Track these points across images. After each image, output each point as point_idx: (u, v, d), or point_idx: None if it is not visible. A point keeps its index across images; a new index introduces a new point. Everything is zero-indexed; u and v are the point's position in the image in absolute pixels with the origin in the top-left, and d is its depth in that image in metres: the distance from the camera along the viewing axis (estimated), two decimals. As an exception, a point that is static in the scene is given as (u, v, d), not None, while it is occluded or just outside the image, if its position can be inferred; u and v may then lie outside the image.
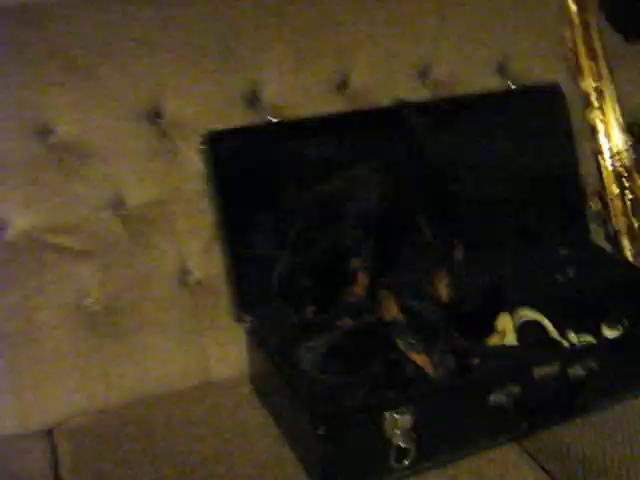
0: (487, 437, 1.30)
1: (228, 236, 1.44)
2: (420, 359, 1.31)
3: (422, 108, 1.61)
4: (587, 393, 1.35)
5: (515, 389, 1.28)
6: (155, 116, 1.50)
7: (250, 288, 1.45)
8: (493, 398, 1.27)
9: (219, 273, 1.48)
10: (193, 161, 1.48)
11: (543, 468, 1.29)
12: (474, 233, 1.61)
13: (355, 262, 1.47)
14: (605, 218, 1.70)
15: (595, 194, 1.70)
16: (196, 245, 1.51)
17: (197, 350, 1.49)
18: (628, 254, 1.67)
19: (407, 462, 1.23)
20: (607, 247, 1.70)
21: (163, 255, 1.48)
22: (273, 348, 1.37)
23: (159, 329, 1.46)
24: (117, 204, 1.48)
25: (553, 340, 1.42)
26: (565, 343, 1.42)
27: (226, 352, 1.49)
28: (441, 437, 1.26)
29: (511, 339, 1.42)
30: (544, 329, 1.44)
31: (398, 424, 1.21)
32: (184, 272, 1.51)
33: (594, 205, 1.70)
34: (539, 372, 1.30)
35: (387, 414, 1.20)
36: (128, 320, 1.45)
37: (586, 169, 1.73)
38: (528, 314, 1.45)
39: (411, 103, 1.60)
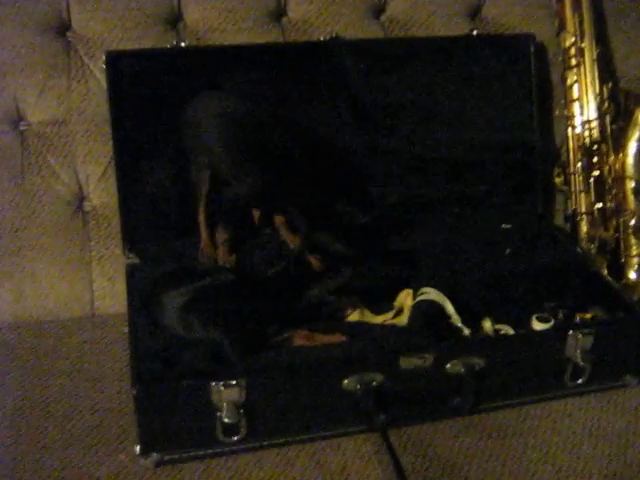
0: (337, 424, 1.09)
1: (120, 166, 1.27)
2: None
3: (362, 48, 1.35)
4: (466, 393, 1.13)
5: (376, 377, 1.08)
6: (62, 29, 1.32)
7: (139, 224, 1.29)
8: (346, 384, 1.08)
9: (115, 203, 1.31)
10: (99, 81, 1.31)
11: (398, 465, 1.09)
12: (406, 193, 1.38)
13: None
14: (567, 195, 1.42)
15: (560, 167, 1.43)
16: (94, 170, 1.34)
17: (83, 281, 1.34)
18: (583, 238, 1.39)
19: (236, 438, 1.07)
20: (565, 227, 1.44)
21: (57, 177, 1.33)
22: (139, 292, 1.22)
23: (44, 254, 1.32)
24: (15, 118, 1.32)
25: (451, 327, 1.20)
26: (466, 332, 1.20)
27: (114, 287, 1.34)
28: (282, 416, 1.07)
29: (404, 319, 1.21)
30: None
31: (226, 397, 1.03)
32: (79, 197, 1.35)
33: (558, 179, 1.43)
34: (406, 363, 1.08)
35: (213, 385, 1.02)
36: (10, 240, 1.31)
37: (555, 137, 1.45)
38: (430, 294, 1.23)
39: (349, 41, 1.35)
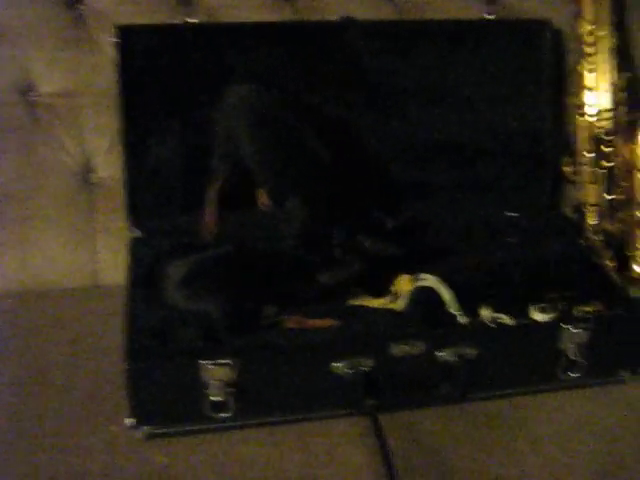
0: (326, 406, 1.10)
1: (126, 140, 1.27)
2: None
3: (373, 28, 1.34)
4: (456, 381, 1.13)
5: (366, 362, 1.09)
6: (73, 1, 1.33)
7: (144, 198, 1.30)
8: (336, 367, 1.09)
9: (122, 176, 1.33)
10: (108, 55, 1.30)
11: (385, 450, 1.10)
12: (409, 175, 1.38)
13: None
14: (575, 185, 1.41)
15: (570, 156, 1.41)
16: (101, 143, 1.35)
17: (87, 252, 1.36)
18: (589, 229, 1.38)
19: (225, 415, 1.08)
20: (573, 218, 1.42)
21: (65, 149, 1.34)
22: (141, 265, 1.23)
23: (50, 224, 1.34)
24: (25, 89, 1.34)
25: (448, 314, 1.20)
26: (462, 320, 1.19)
27: (117, 258, 1.35)
28: (271, 396, 1.08)
29: (400, 305, 1.21)
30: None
31: (215, 375, 1.05)
32: (86, 170, 1.37)
33: (567, 169, 1.41)
34: (397, 350, 1.09)
35: (203, 363, 1.04)
36: (18, 209, 1.33)
37: (567, 126, 1.43)
38: (428, 280, 1.22)
39: (361, 21, 1.33)
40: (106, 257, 1.37)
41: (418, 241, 1.31)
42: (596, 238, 1.36)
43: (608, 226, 1.36)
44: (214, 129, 1.29)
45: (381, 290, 1.23)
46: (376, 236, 1.26)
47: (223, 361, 1.04)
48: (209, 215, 1.31)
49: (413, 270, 1.23)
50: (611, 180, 1.36)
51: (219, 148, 1.28)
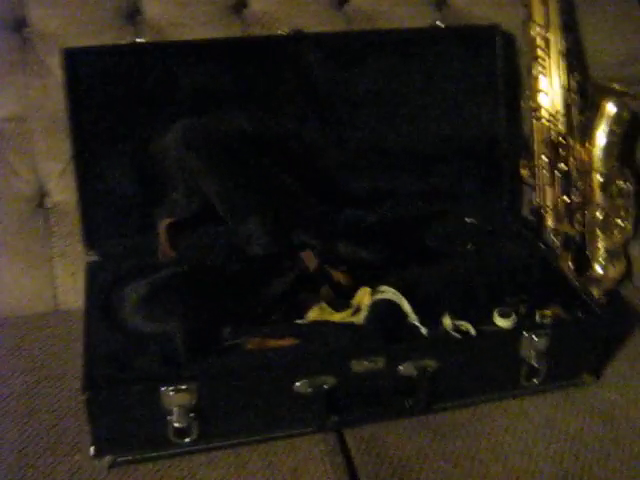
0: (290, 425, 1.11)
1: (78, 163, 1.26)
2: None
3: (324, 41, 1.33)
4: (420, 394, 1.13)
5: (327, 380, 1.09)
6: (18, 25, 1.31)
7: (100, 222, 1.28)
8: (297, 387, 1.09)
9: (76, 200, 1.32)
10: (57, 77, 1.28)
11: (351, 466, 1.11)
12: (365, 185, 1.38)
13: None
14: (533, 189, 1.42)
15: (526, 159, 1.42)
16: (54, 167, 1.33)
17: (45, 277, 1.35)
18: (548, 232, 1.39)
19: (188, 440, 1.08)
20: (531, 222, 1.43)
21: (18, 174, 1.33)
22: (98, 289, 1.22)
23: (5, 251, 1.32)
24: (-28, 117, 1.33)
25: (408, 326, 1.20)
26: (423, 330, 1.19)
27: (76, 283, 1.33)
28: (234, 419, 1.08)
29: (361, 318, 1.22)
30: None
31: (176, 401, 1.05)
32: (39, 194, 1.35)
33: (524, 172, 1.42)
34: (358, 366, 1.09)
35: (163, 390, 1.03)
36: (-29, 238, 1.32)
37: (522, 129, 1.44)
38: (387, 292, 1.23)
39: (311, 34, 1.33)
40: (64, 282, 1.36)
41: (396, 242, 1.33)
42: (555, 240, 1.37)
43: (566, 228, 1.37)
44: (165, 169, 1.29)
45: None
46: (351, 238, 1.27)
47: (183, 386, 1.03)
48: (163, 244, 1.30)
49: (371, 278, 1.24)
50: (568, 182, 1.37)
51: (180, 186, 1.28)
